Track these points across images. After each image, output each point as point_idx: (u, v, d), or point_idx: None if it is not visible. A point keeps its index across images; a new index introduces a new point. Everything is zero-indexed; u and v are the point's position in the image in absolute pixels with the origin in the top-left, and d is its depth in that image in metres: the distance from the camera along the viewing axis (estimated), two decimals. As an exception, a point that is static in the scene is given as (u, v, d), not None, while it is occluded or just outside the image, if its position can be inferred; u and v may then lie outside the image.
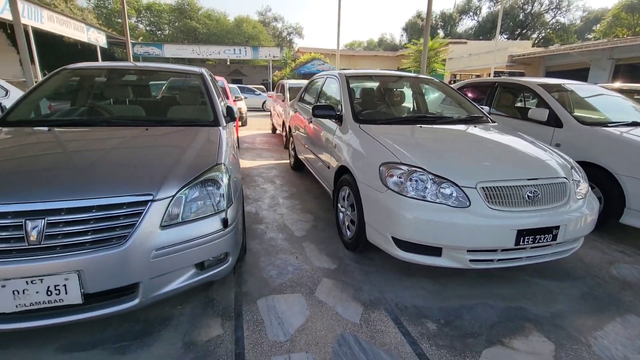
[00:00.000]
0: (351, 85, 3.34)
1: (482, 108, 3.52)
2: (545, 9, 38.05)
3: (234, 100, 8.36)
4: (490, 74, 13.05)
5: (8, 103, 3.94)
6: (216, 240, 1.77)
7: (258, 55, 21.92)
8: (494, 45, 18.27)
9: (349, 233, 2.70)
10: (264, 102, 16.73)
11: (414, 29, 40.11)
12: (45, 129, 2.15)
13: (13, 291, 1.37)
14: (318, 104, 3.20)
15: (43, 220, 1.40)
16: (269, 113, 11.59)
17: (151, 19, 36.35)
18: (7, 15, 10.50)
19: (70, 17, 14.31)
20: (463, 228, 1.92)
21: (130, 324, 1.82)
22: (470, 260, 1.99)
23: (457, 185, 2.01)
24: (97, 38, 16.41)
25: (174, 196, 1.65)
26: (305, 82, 10.00)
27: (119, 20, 31.38)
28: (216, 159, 1.98)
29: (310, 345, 1.72)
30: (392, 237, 2.09)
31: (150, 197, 1.58)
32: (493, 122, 3.20)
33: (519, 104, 4.38)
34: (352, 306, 2.03)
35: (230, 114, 2.86)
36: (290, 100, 7.94)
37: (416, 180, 2.07)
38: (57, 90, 2.76)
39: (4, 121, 2.28)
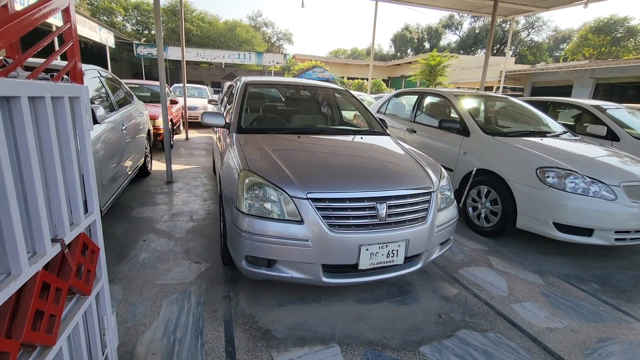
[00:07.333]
0: (456, 103, 4.06)
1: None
2: (521, 28, 41.11)
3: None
4: (499, 87, 14.33)
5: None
6: (455, 224, 2.40)
7: (262, 61, 22.36)
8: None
9: (487, 223, 3.38)
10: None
11: (402, 41, 42.01)
12: (296, 135, 2.69)
13: (370, 253, 1.94)
14: (445, 118, 3.89)
15: (385, 204, 1.99)
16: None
17: (138, 18, 35.57)
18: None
19: (86, 17, 14.19)
20: (614, 215, 2.67)
21: (387, 286, 2.40)
22: (616, 239, 2.73)
23: (603, 183, 2.76)
24: (107, 38, 16.26)
25: (437, 189, 2.28)
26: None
27: (105, 18, 30.36)
28: (434, 161, 2.62)
29: (526, 297, 2.38)
30: (554, 223, 2.80)
31: (432, 189, 2.20)
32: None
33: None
34: (529, 274, 2.71)
35: (384, 124, 3.48)
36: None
37: (572, 180, 2.80)
38: (253, 102, 3.25)
39: (241, 129, 2.79)
